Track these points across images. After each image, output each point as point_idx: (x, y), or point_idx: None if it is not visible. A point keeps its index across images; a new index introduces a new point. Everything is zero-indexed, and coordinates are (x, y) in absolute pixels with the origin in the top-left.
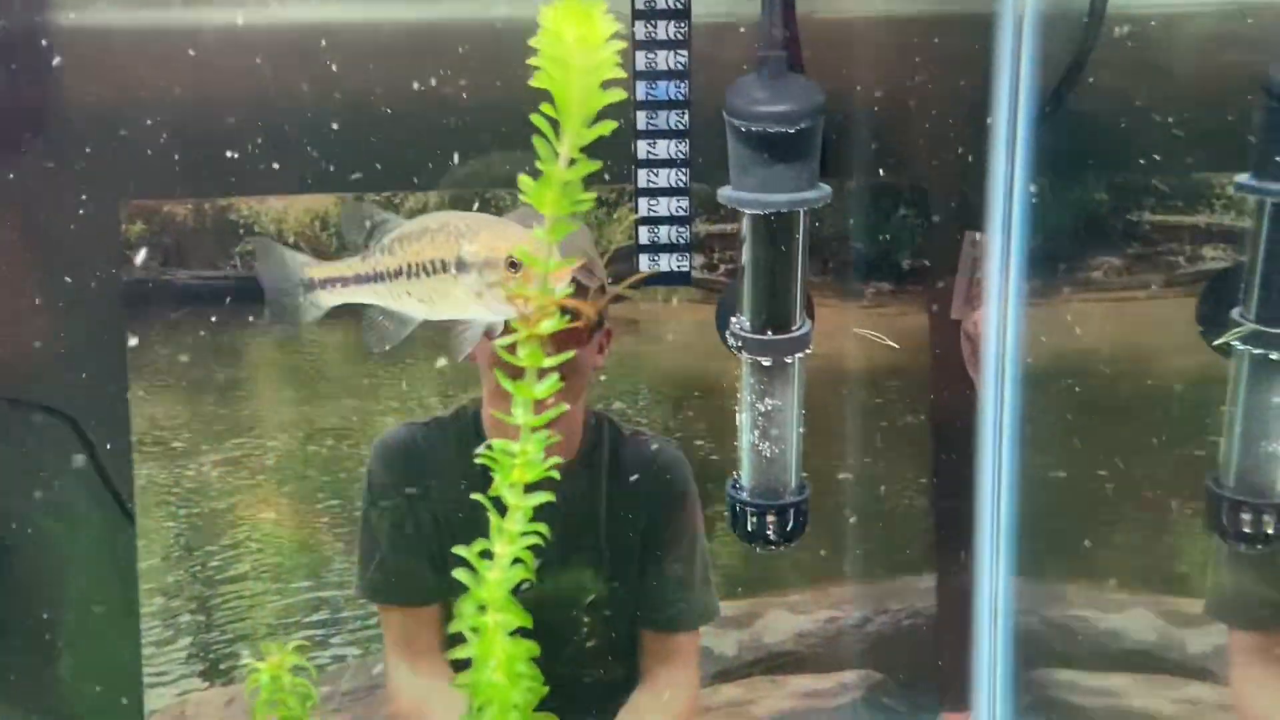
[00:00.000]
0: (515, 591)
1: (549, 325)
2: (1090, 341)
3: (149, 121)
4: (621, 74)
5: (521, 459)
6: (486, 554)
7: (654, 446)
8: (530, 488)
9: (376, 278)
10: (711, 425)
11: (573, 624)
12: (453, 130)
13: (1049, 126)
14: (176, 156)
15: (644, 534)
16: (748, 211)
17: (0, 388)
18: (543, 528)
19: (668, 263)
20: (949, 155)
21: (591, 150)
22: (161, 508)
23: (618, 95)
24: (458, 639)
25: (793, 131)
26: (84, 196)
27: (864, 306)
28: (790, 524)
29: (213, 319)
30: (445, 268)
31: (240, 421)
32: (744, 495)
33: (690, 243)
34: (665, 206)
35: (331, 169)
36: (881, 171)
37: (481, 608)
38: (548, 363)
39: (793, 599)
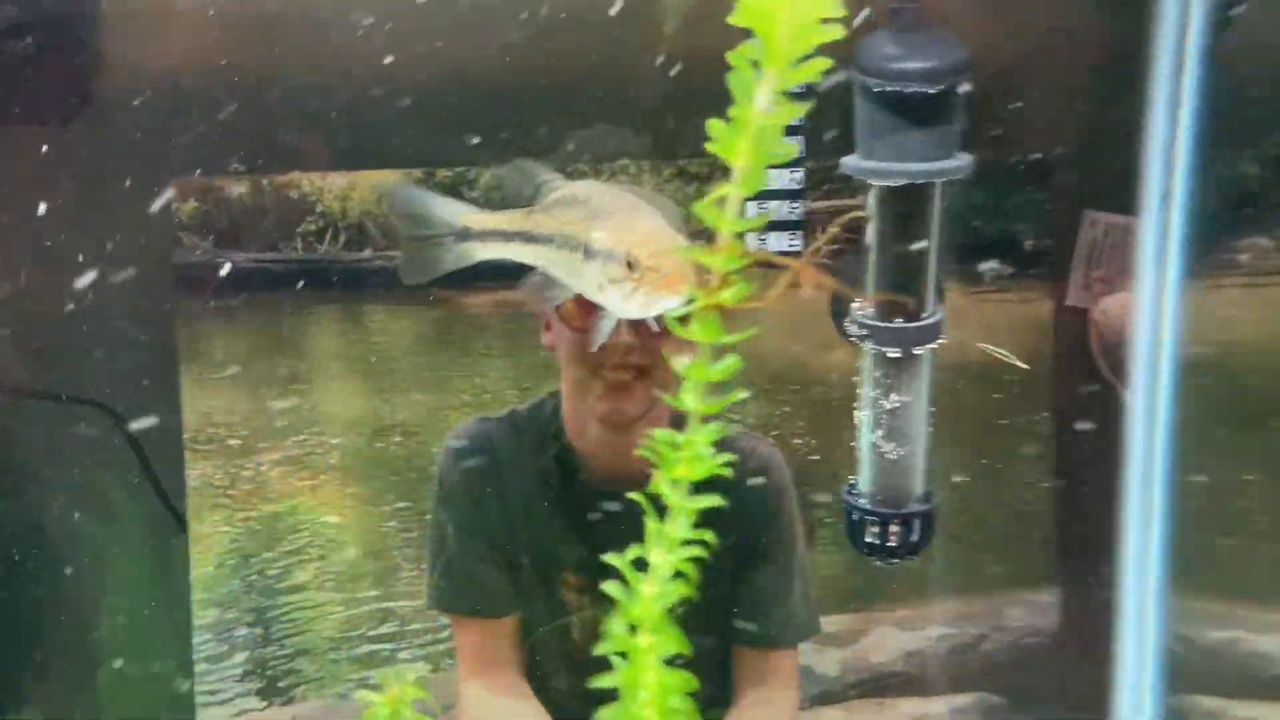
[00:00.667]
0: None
1: (732, 294)
2: (1238, 332)
3: (204, 94)
4: (842, 11)
5: (688, 451)
6: (640, 563)
7: (748, 444)
8: (699, 487)
9: (533, 238)
10: (811, 421)
11: None
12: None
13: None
14: (232, 131)
15: (738, 541)
16: (877, 183)
17: (41, 380)
18: (708, 535)
19: (777, 242)
20: (1080, 124)
21: (688, 120)
22: (216, 511)
23: (836, 33)
24: (541, 655)
25: (933, 92)
26: (133, 173)
27: (980, 292)
28: (915, 535)
29: (272, 306)
30: (577, 247)
31: (302, 417)
32: (863, 502)
33: (803, 220)
34: (777, 178)
35: (398, 144)
36: (1003, 142)
37: (632, 628)
38: (727, 340)
39: (901, 614)
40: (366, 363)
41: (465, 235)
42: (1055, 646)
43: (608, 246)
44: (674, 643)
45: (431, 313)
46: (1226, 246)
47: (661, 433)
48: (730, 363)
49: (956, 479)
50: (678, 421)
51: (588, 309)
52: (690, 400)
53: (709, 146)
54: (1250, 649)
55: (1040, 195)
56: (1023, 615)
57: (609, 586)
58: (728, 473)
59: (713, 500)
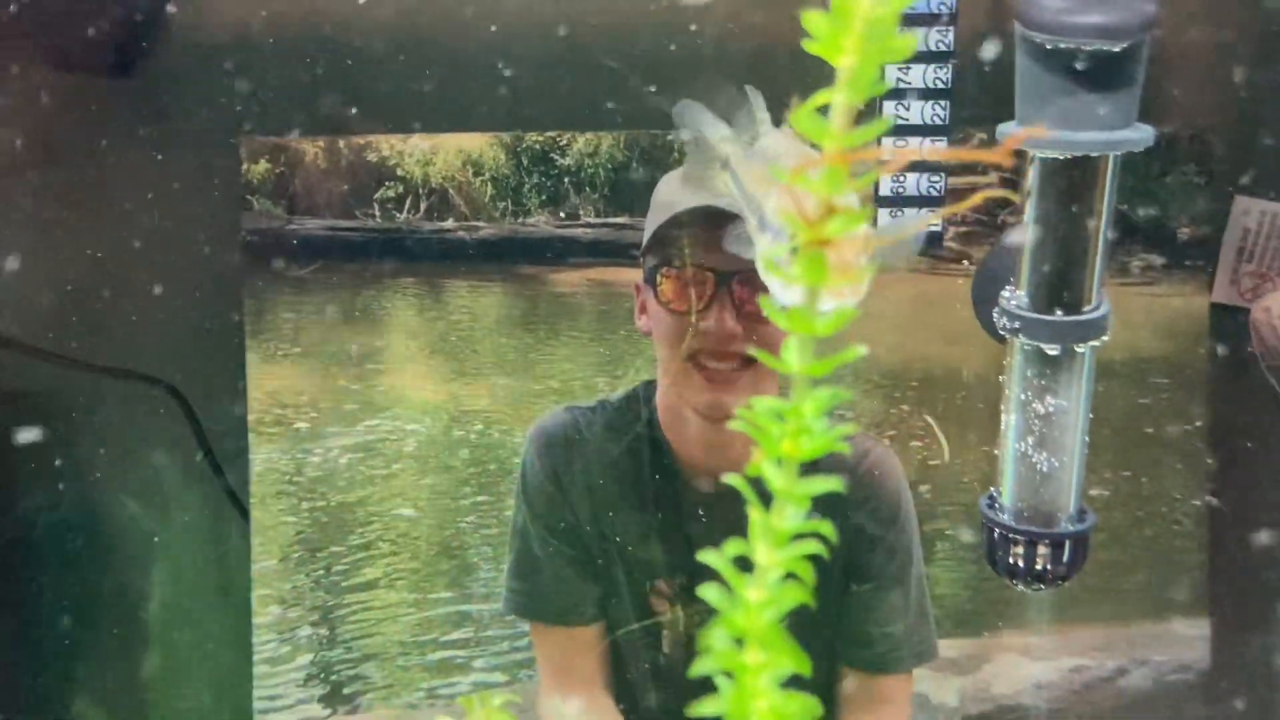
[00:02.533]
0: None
1: (841, 224)
2: None
3: (275, 45)
4: None
5: (794, 423)
6: (744, 563)
7: (860, 445)
8: (809, 468)
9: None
10: (935, 422)
11: None
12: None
13: None
14: (306, 86)
15: (848, 552)
16: (1042, 154)
17: (98, 353)
18: (826, 527)
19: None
20: (1245, 98)
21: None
22: (280, 499)
23: None
24: (629, 669)
25: (1116, 50)
26: (199, 131)
27: (1129, 284)
28: (1066, 559)
29: (346, 278)
30: (755, 212)
31: (375, 400)
32: (1007, 518)
33: (944, 195)
34: (916, 149)
35: (488, 108)
36: (1157, 116)
37: (738, 642)
38: (824, 283)
39: (1029, 641)
40: (446, 342)
41: (725, 165)
42: (1204, 685)
43: (778, 221)
44: (790, 659)
45: (518, 290)
46: None
47: (763, 401)
48: (844, 312)
49: (1095, 492)
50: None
51: (688, 289)
52: (795, 357)
53: (806, 45)
54: None
55: (1199, 178)
56: (1168, 648)
57: (707, 590)
58: (845, 448)
59: (830, 484)
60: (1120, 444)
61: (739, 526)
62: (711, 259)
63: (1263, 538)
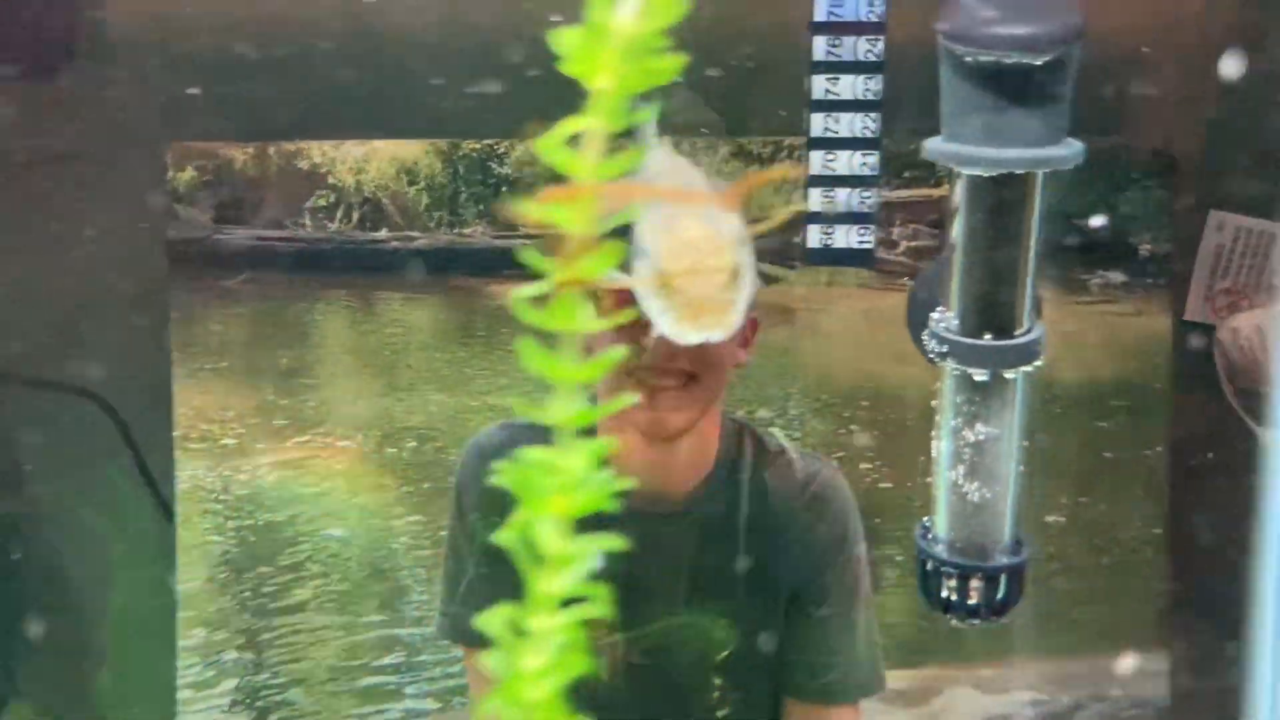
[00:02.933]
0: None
1: (594, 264)
2: None
3: (204, 50)
4: None
5: (563, 477)
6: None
7: (807, 468)
8: (589, 525)
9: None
10: (883, 444)
11: (701, 687)
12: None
13: None
14: (235, 91)
15: (793, 579)
16: (967, 171)
17: (27, 363)
18: (599, 592)
19: (845, 237)
20: (1214, 107)
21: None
22: (206, 518)
23: None
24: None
25: (1039, 64)
26: (124, 137)
27: (1088, 302)
28: (1001, 594)
29: (276, 290)
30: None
31: (305, 416)
32: (939, 550)
33: (876, 211)
34: (846, 162)
35: (423, 114)
36: (1118, 128)
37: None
38: (593, 325)
39: (982, 674)
40: (379, 356)
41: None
42: None
43: (646, 245)
44: None
45: (454, 302)
46: None
47: (532, 453)
48: (599, 363)
49: (1051, 519)
50: (732, 433)
51: (626, 303)
52: (559, 408)
53: (560, 66)
54: None
55: (1163, 193)
56: (1127, 683)
57: (486, 659)
58: (615, 506)
59: (611, 543)
60: (1078, 469)
61: (681, 548)
62: None
63: (1225, 569)
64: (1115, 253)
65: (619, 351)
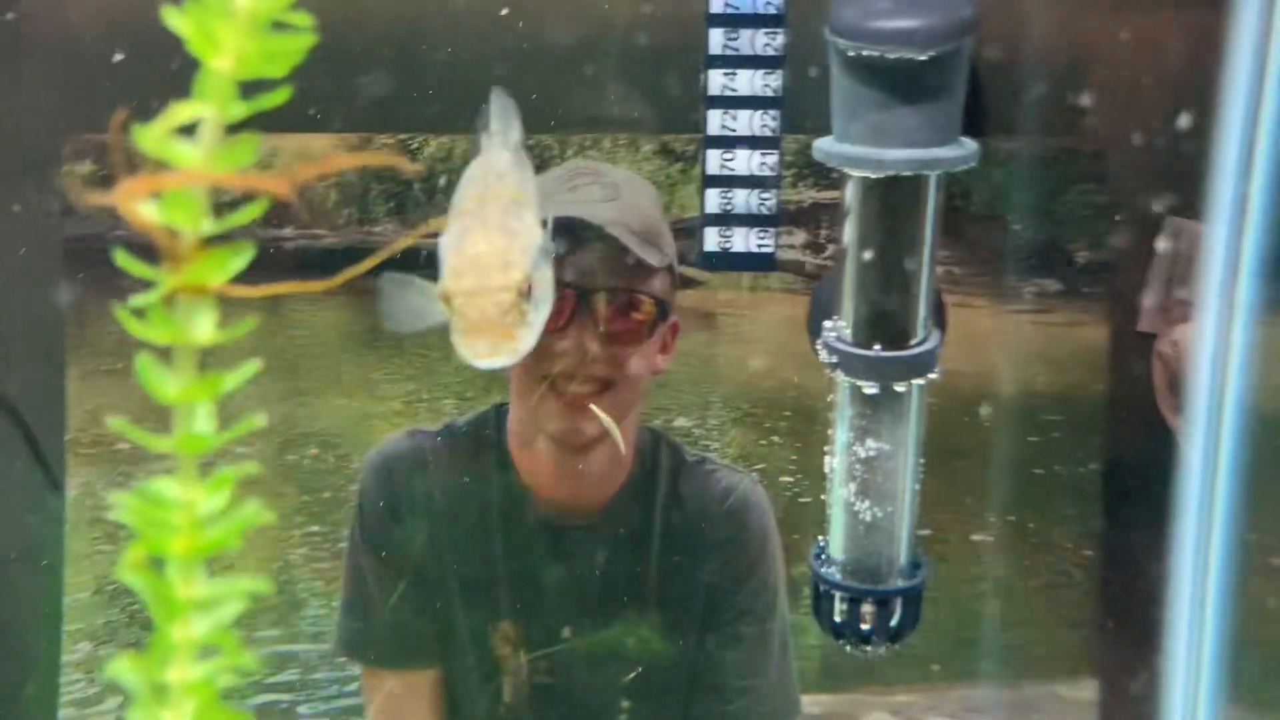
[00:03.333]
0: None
1: (209, 269)
2: None
3: (102, 38)
4: None
5: (186, 516)
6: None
7: (726, 480)
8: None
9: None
10: (805, 456)
11: (607, 705)
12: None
13: None
14: (134, 80)
15: (708, 595)
16: (854, 173)
17: None
18: (229, 641)
19: (744, 240)
20: (1153, 111)
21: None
22: (96, 526)
23: None
24: (460, 713)
25: (923, 59)
26: (20, 127)
27: (1021, 311)
28: (895, 619)
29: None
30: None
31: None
32: (832, 572)
33: (776, 213)
34: (744, 163)
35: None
36: (1055, 130)
37: None
38: (200, 340)
39: (899, 699)
40: (282, 360)
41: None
42: None
43: (442, 259)
44: None
45: (362, 304)
46: None
47: (146, 491)
48: (199, 384)
49: (977, 537)
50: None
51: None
52: (176, 431)
53: (187, 45)
54: None
55: (1100, 198)
56: (1052, 712)
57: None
58: (234, 542)
59: (255, 584)
60: (1007, 485)
61: (592, 563)
62: (571, 275)
63: (1155, 592)
64: (1051, 260)
65: (253, 366)
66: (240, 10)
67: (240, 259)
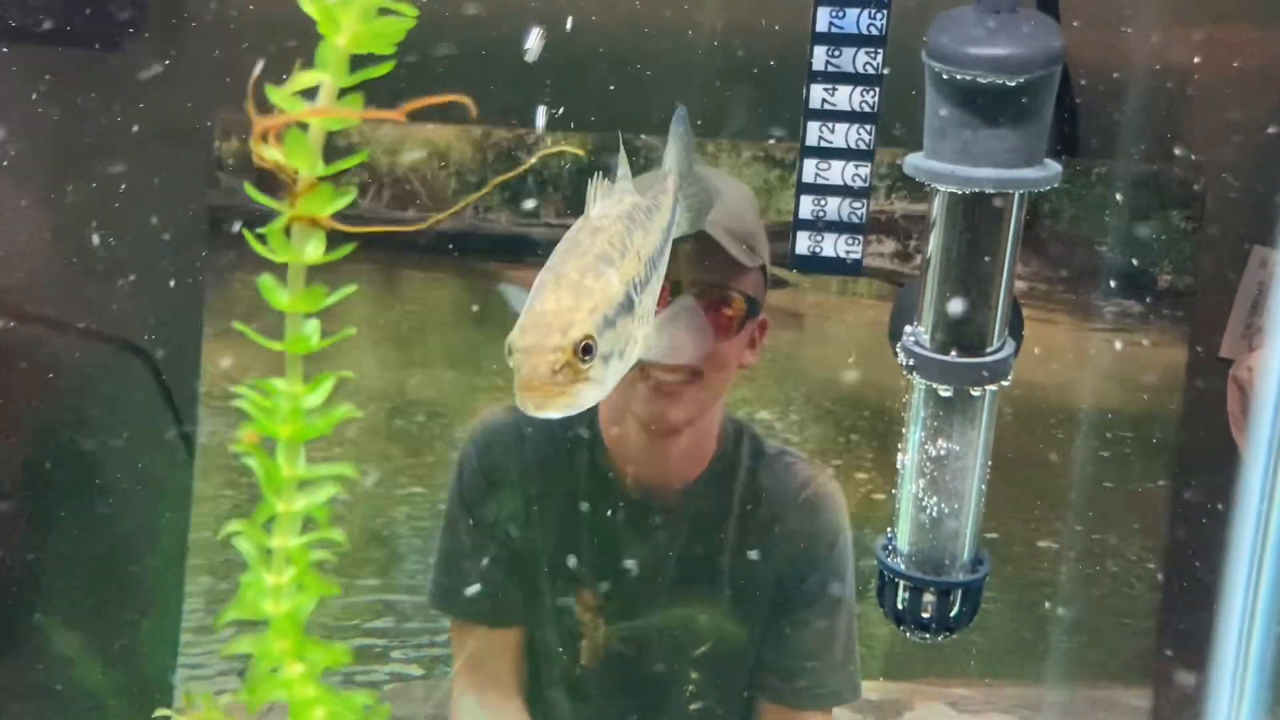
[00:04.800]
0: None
1: (319, 203)
2: None
3: (254, 24)
4: None
5: (290, 405)
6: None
7: (803, 473)
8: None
9: None
10: (881, 456)
11: (676, 677)
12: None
13: None
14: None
15: (779, 581)
16: (941, 188)
17: (75, 312)
18: (323, 516)
19: (834, 245)
20: (1244, 144)
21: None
22: (222, 473)
23: None
24: (544, 675)
25: (1012, 84)
26: (177, 105)
27: (1102, 329)
28: (954, 610)
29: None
30: None
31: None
32: (898, 563)
33: (865, 222)
34: (838, 173)
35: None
36: (1147, 157)
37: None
38: (309, 260)
39: (957, 692)
40: (397, 331)
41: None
42: None
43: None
44: (319, 651)
45: (473, 284)
46: None
47: (262, 384)
48: (338, 294)
49: (1043, 544)
50: (732, 433)
51: None
52: (290, 340)
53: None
54: None
55: (1188, 224)
56: (1105, 716)
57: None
58: (353, 413)
59: (344, 470)
60: (1077, 496)
61: (671, 542)
62: (671, 271)
63: (1214, 610)
64: (1135, 281)
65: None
66: (357, 3)
67: (344, 199)
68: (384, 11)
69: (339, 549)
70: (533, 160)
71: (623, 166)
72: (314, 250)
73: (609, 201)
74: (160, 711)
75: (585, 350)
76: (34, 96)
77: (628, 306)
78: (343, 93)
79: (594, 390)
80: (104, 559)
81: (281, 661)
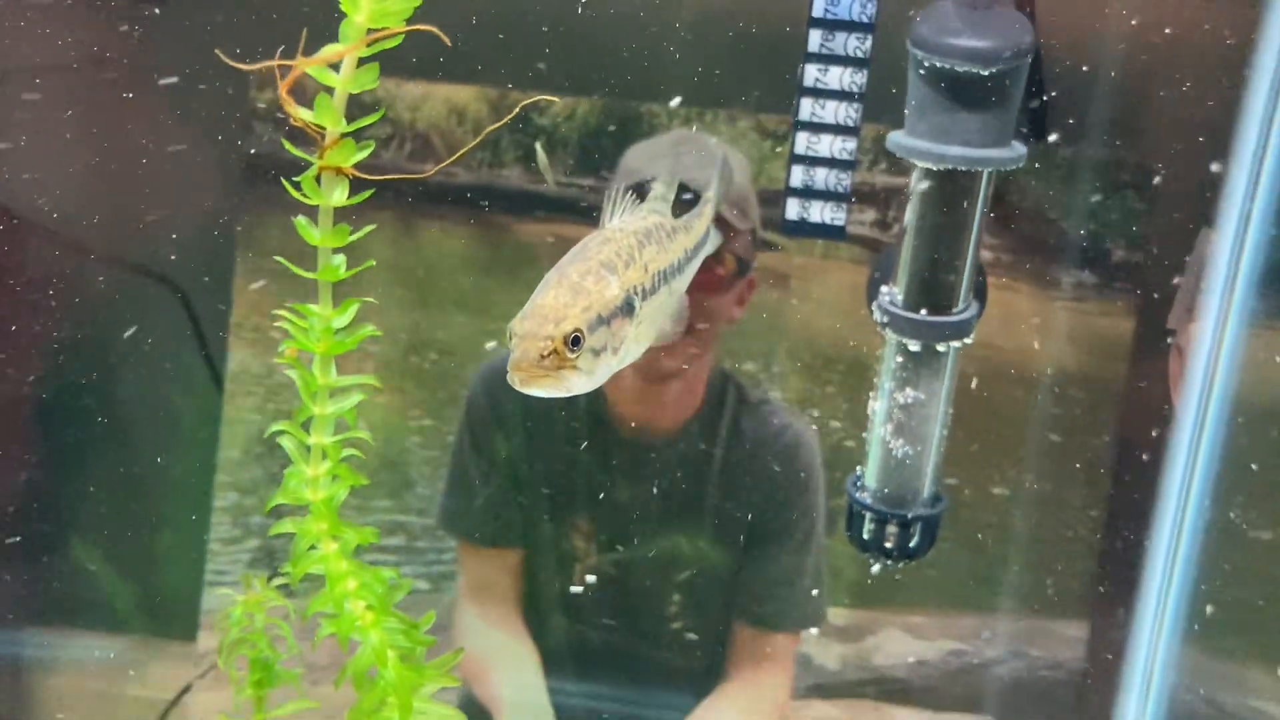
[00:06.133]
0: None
1: (343, 155)
2: None
3: None
4: None
5: (321, 326)
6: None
7: (782, 420)
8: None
9: None
10: (855, 407)
11: (659, 599)
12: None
13: None
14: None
15: (756, 516)
16: (919, 164)
17: (114, 247)
18: (352, 418)
19: (820, 212)
20: (1196, 133)
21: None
22: (249, 398)
23: None
24: (539, 594)
25: (985, 74)
26: (215, 59)
27: (1058, 298)
28: (914, 540)
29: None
30: None
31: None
32: (865, 497)
33: (849, 192)
34: (827, 146)
35: (477, 61)
36: (1109, 141)
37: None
38: (336, 203)
39: (914, 620)
40: (413, 276)
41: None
42: (1075, 684)
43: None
44: (351, 531)
45: (483, 235)
46: None
47: (300, 308)
48: (362, 232)
49: (997, 490)
50: (719, 381)
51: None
52: (321, 270)
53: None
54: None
55: (1142, 205)
56: (1046, 646)
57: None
58: (374, 331)
59: (367, 380)
60: (1027, 446)
61: (660, 478)
62: None
63: (1145, 551)
64: (1091, 256)
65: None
66: None
67: (364, 151)
68: None
69: (367, 446)
70: (514, 112)
71: (659, 188)
72: (339, 195)
73: (631, 217)
74: (222, 590)
75: (574, 342)
76: (94, 48)
77: (626, 310)
78: (362, 61)
79: (580, 379)
80: (136, 478)
81: (319, 540)
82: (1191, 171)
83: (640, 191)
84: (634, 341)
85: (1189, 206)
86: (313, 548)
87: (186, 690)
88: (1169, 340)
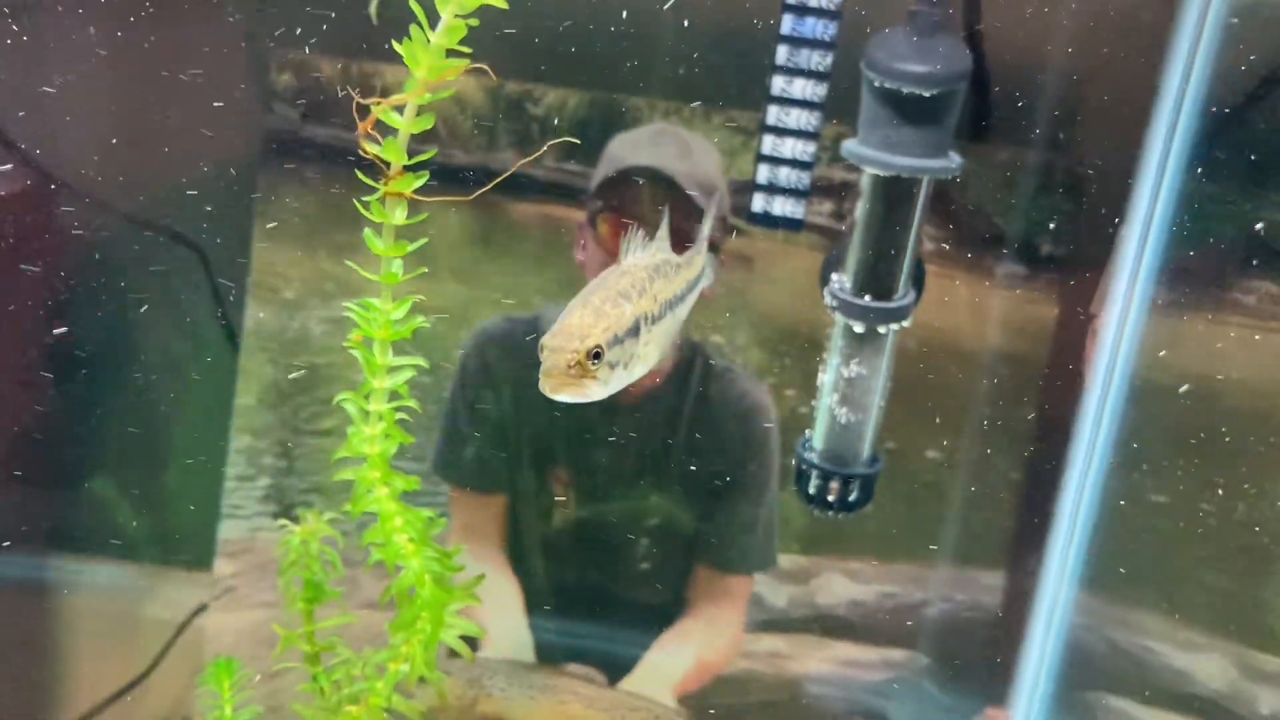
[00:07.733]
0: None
1: (404, 183)
2: (1226, 369)
3: None
4: None
5: (381, 316)
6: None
7: (743, 387)
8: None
9: None
10: (807, 378)
11: (629, 544)
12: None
13: (1230, 129)
14: (333, 14)
15: (716, 471)
16: (868, 169)
17: (137, 209)
18: (404, 391)
19: (782, 206)
20: (1118, 141)
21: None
22: (264, 352)
23: None
24: (522, 536)
25: (927, 95)
26: (241, 40)
27: (991, 285)
28: (853, 495)
29: (343, 180)
30: None
31: (349, 284)
32: (812, 456)
33: (808, 189)
34: (790, 148)
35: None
36: (1041, 147)
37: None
38: (398, 222)
39: (853, 566)
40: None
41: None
42: (991, 625)
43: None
44: (402, 480)
45: (480, 211)
46: (1237, 285)
47: (364, 302)
48: (413, 245)
49: (930, 454)
50: (688, 350)
51: (622, 233)
52: (384, 275)
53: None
54: (1171, 664)
55: (1070, 203)
56: (968, 591)
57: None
58: (424, 323)
59: (416, 361)
60: (958, 416)
61: (635, 435)
62: (646, 211)
63: (1058, 511)
64: (1022, 249)
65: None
66: (432, 45)
67: (421, 180)
68: (451, 53)
69: (416, 411)
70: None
71: (664, 230)
72: (400, 215)
73: (643, 254)
74: (281, 521)
75: (595, 355)
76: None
77: (635, 332)
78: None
79: (598, 387)
80: (160, 419)
81: (373, 486)
82: (1113, 174)
83: (621, 182)
84: (641, 360)
85: (1111, 206)
86: (369, 491)
87: (202, 609)
88: (1089, 326)
